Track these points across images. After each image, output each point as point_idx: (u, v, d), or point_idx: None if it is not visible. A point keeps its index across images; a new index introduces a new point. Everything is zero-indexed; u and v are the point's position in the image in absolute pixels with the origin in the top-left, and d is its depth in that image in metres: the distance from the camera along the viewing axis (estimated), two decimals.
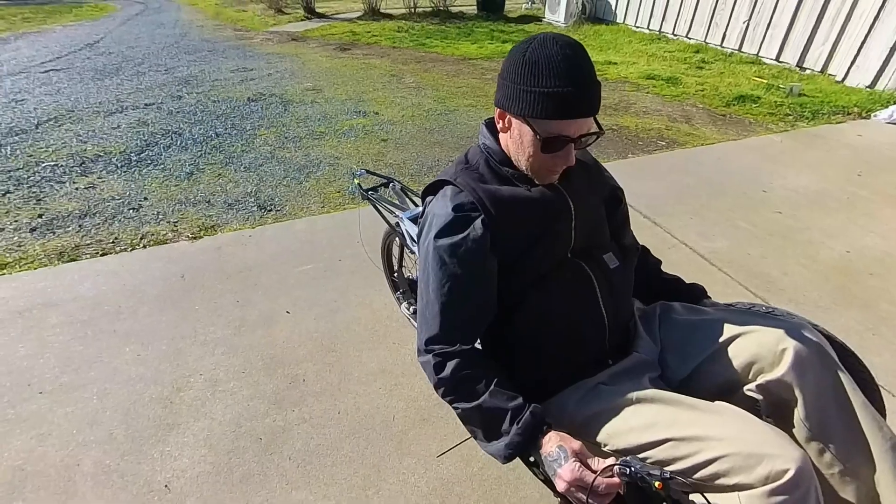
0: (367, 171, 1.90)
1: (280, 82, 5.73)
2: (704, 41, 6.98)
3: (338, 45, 7.69)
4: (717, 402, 0.86)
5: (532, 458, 0.99)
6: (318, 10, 10.66)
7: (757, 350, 0.91)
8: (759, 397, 0.92)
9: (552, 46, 0.86)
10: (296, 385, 1.76)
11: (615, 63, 6.38)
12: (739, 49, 6.47)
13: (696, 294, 1.18)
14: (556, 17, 8.93)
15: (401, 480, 1.45)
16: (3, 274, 2.40)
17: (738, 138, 4.03)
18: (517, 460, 0.92)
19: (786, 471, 0.73)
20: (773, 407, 0.92)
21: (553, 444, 0.83)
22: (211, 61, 6.92)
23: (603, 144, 3.88)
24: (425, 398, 1.70)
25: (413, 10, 9.92)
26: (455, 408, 0.95)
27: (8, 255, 2.56)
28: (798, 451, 0.75)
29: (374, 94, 5.25)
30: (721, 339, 0.97)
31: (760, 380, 0.91)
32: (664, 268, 1.27)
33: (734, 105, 4.84)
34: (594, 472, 0.78)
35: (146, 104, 5.07)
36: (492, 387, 0.91)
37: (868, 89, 4.98)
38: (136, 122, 4.52)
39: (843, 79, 5.28)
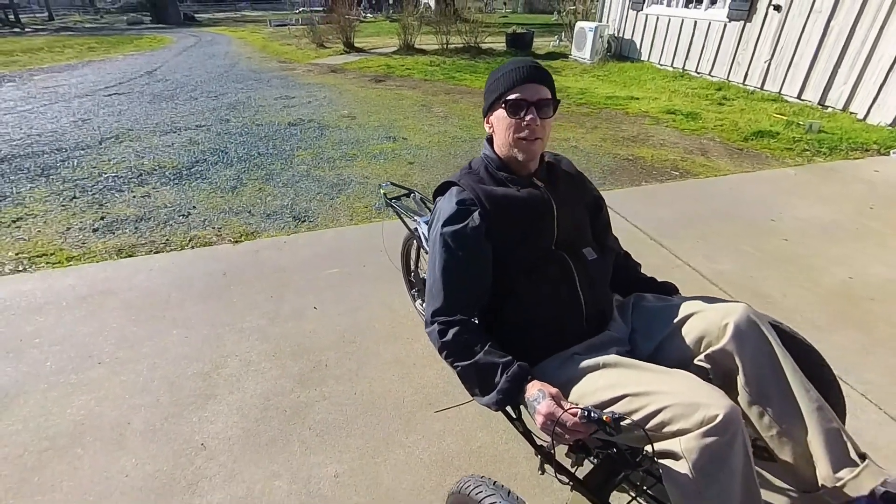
0: (392, 184, 2.15)
1: (318, 109, 6.17)
2: (727, 79, 7.15)
3: (373, 77, 8.20)
4: (668, 368, 1.03)
5: (514, 415, 1.17)
6: (356, 44, 11.35)
7: (706, 326, 1.08)
8: (708, 366, 1.08)
9: (510, 61, 1.22)
10: (318, 369, 1.97)
11: (637, 98, 6.60)
12: (762, 87, 6.61)
13: (667, 289, 1.35)
14: (583, 54, 9.27)
15: (406, 453, 1.62)
16: (70, 265, 2.73)
17: (751, 170, 4.15)
18: (508, 425, 1.10)
19: (716, 416, 0.88)
20: (721, 376, 1.07)
21: (535, 388, 1.01)
22: (256, 89, 7.48)
23: (617, 173, 4.06)
24: (432, 386, 1.87)
25: (445, 45, 10.46)
26: (455, 367, 1.14)
27: (74, 250, 2.90)
28: (727, 400, 0.90)
29: (405, 121, 5.60)
30: (677, 320, 1.14)
31: (708, 351, 1.07)
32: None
33: (752, 140, 4.96)
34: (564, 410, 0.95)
35: (197, 126, 5.55)
36: (486, 348, 1.10)
37: (889, 128, 5.03)
38: (187, 142, 4.97)
39: (865, 117, 5.34)
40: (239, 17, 27.93)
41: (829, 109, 5.78)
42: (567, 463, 1.15)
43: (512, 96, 1.18)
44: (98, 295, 2.45)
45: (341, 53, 10.80)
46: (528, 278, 1.19)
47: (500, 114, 1.21)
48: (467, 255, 1.17)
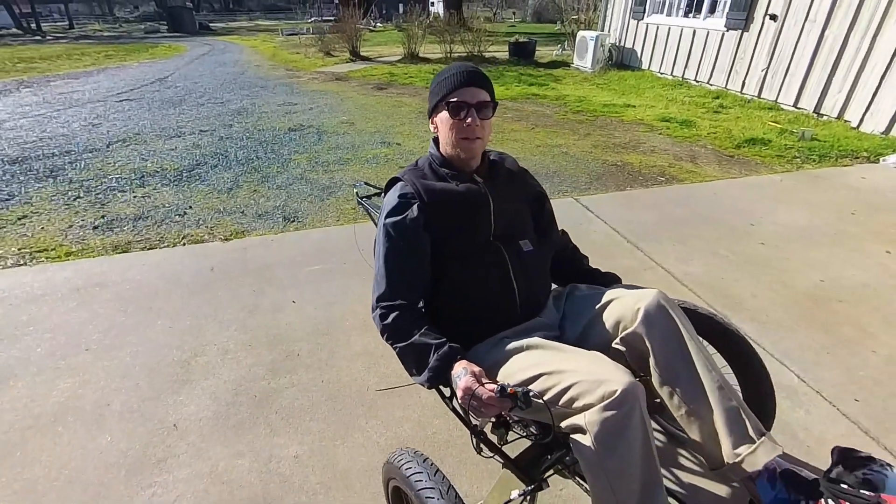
0: (366, 184, 2.25)
1: (319, 116, 6.33)
2: (725, 87, 7.19)
3: (375, 85, 8.37)
4: (583, 350, 1.11)
5: (448, 395, 1.26)
6: (362, 53, 11.58)
7: (622, 311, 1.16)
8: (623, 349, 1.15)
9: (451, 66, 1.29)
10: (291, 358, 2.07)
11: (634, 106, 6.67)
12: (759, 95, 6.65)
13: (608, 280, 1.43)
14: (584, 62, 9.37)
15: (364, 437, 1.70)
16: (68, 259, 2.87)
17: (738, 177, 4.20)
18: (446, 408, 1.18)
19: (615, 391, 0.96)
20: (636, 358, 1.15)
21: (460, 366, 1.09)
22: (261, 96, 7.68)
23: (604, 178, 4.14)
24: (396, 376, 1.96)
25: (449, 54, 10.63)
26: (395, 348, 1.22)
27: (73, 246, 3.04)
28: (629, 377, 0.98)
29: (401, 128, 5.73)
30: (598, 306, 1.22)
31: (623, 334, 1.14)
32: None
33: (744, 147, 5.00)
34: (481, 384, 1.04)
35: (201, 130, 5.73)
36: (422, 330, 1.18)
37: (881, 136, 5.05)
38: (190, 145, 5.14)
39: (858, 125, 5.36)
40: (252, 26, 28.53)
41: (825, 118, 5.81)
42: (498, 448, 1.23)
43: (453, 99, 1.27)
44: (91, 287, 2.58)
45: (347, 62, 11.02)
46: (465, 267, 1.28)
47: (443, 115, 1.30)
48: (407, 245, 1.26)
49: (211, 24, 28.17)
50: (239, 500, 1.49)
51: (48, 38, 22.36)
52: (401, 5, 27.96)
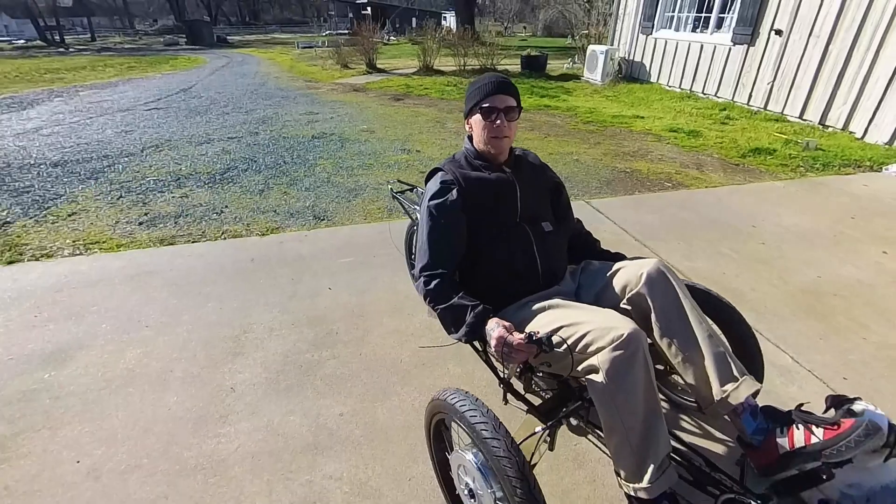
0: (399, 181, 2.50)
1: (340, 124, 6.63)
2: (732, 100, 7.41)
3: (393, 96, 8.69)
4: (594, 307, 1.32)
5: (481, 348, 1.47)
6: (378, 65, 11.96)
7: (627, 277, 1.38)
8: (630, 308, 1.37)
9: (484, 76, 1.53)
10: (330, 336, 2.29)
11: (642, 117, 6.90)
12: (765, 108, 6.85)
13: (616, 257, 1.65)
14: (594, 75, 9.64)
15: (400, 400, 1.92)
16: (120, 251, 3.13)
17: (742, 183, 4.40)
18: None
19: (622, 335, 1.17)
20: (640, 315, 1.36)
21: (493, 321, 1.30)
22: (284, 106, 8.02)
23: (613, 183, 4.36)
24: (427, 352, 2.18)
25: (463, 67, 10.97)
26: (436, 309, 1.44)
27: (123, 239, 3.31)
28: (633, 325, 1.19)
29: (419, 136, 6.00)
30: (608, 274, 1.45)
31: (629, 295, 1.36)
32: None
33: (749, 156, 5.20)
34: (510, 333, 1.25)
35: (229, 137, 6.04)
36: (459, 294, 1.40)
37: (885, 146, 5.23)
38: (220, 151, 5.44)
39: (863, 136, 5.55)
40: (268, 39, 29.28)
41: (830, 129, 5.99)
42: (523, 397, 1.44)
43: (486, 104, 1.51)
44: (144, 275, 2.83)
45: (364, 74, 11.39)
46: (495, 243, 1.50)
47: (476, 117, 1.55)
48: (447, 223, 1.49)
49: (228, 37, 28.97)
50: (293, 448, 1.71)
51: (71, 50, 23.18)
52: (414, 19, 28.62)
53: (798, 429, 1.18)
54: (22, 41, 29.49)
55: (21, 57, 19.14)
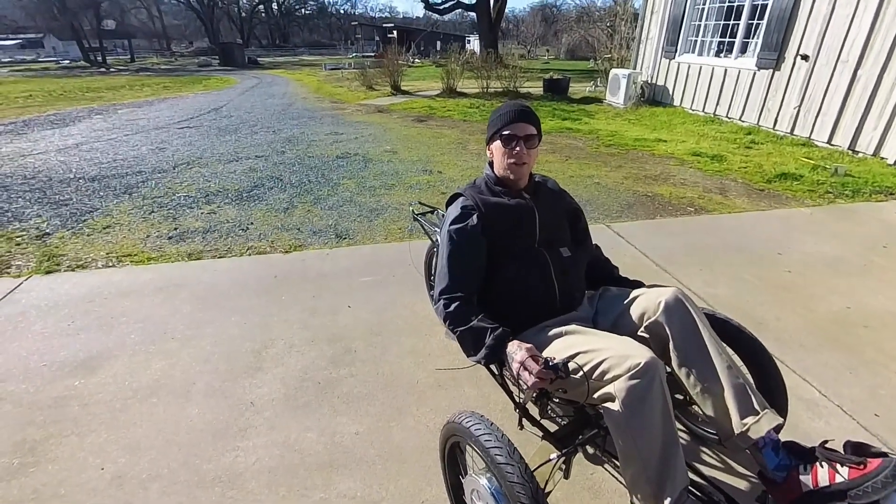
0: (420, 203, 2.55)
1: (364, 145, 6.78)
2: (757, 124, 7.33)
3: (416, 117, 8.86)
4: (611, 334, 1.32)
5: (497, 372, 1.48)
6: (402, 87, 12.23)
7: (645, 305, 1.38)
8: (647, 336, 1.36)
9: (506, 104, 1.58)
10: (349, 353, 2.32)
11: (665, 141, 6.87)
12: (791, 132, 6.75)
13: (634, 284, 1.64)
14: (616, 99, 9.67)
15: (416, 421, 1.93)
16: (150, 263, 3.25)
17: (767, 209, 4.32)
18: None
19: (639, 363, 1.17)
20: (657, 343, 1.35)
21: (514, 345, 1.31)
22: (310, 126, 8.25)
23: (635, 207, 4.33)
24: (442, 372, 2.19)
25: (486, 89, 11.13)
26: (455, 332, 1.46)
27: (153, 252, 3.43)
28: (650, 353, 1.18)
29: (441, 157, 6.09)
30: (626, 302, 1.44)
31: (647, 323, 1.36)
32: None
33: (775, 182, 5.11)
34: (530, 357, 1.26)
35: (256, 156, 6.23)
36: (479, 317, 1.42)
37: None
38: (248, 169, 5.61)
39: (895, 163, 5.41)
40: (297, 60, 30.26)
41: (860, 154, 5.87)
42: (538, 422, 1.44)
43: (506, 132, 1.55)
44: (172, 287, 2.92)
45: (388, 95, 11.66)
46: (514, 267, 1.52)
47: (497, 144, 1.59)
48: (467, 248, 1.52)
49: (259, 59, 30.06)
50: (309, 465, 1.73)
51: (112, 70, 24.37)
52: (439, 42, 29.24)
53: (822, 466, 1.15)
54: (67, 61, 31.17)
55: (66, 76, 20.22)
